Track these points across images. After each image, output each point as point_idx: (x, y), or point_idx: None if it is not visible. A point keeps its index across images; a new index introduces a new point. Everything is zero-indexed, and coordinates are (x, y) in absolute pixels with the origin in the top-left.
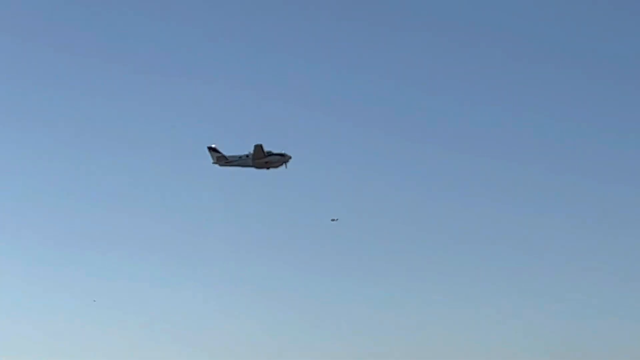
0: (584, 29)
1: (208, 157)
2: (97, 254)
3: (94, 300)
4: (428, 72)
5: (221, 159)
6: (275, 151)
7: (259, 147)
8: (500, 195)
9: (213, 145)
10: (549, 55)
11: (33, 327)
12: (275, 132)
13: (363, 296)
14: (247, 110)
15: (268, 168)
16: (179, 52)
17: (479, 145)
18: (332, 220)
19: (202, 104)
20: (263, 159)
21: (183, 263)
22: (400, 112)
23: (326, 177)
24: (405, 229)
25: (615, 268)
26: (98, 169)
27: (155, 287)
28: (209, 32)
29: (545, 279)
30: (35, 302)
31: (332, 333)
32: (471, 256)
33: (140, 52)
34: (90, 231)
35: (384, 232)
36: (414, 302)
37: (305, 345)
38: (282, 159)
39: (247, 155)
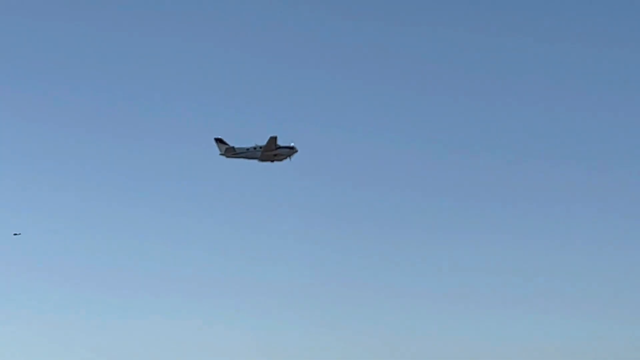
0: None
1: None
2: (99, 247)
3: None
4: (435, 69)
5: (229, 151)
6: (282, 144)
7: (273, 139)
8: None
9: (220, 137)
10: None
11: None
12: (274, 128)
13: (367, 294)
14: (247, 105)
15: (273, 161)
16: (185, 44)
17: (492, 146)
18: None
19: (205, 97)
20: (273, 151)
21: (184, 260)
22: (409, 110)
23: (329, 172)
24: (410, 226)
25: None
26: (101, 162)
27: (155, 282)
28: (214, 25)
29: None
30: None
31: (335, 333)
32: (476, 257)
33: (146, 45)
34: (91, 226)
35: (386, 231)
36: (417, 299)
37: (310, 345)
38: (290, 152)
39: (254, 147)
